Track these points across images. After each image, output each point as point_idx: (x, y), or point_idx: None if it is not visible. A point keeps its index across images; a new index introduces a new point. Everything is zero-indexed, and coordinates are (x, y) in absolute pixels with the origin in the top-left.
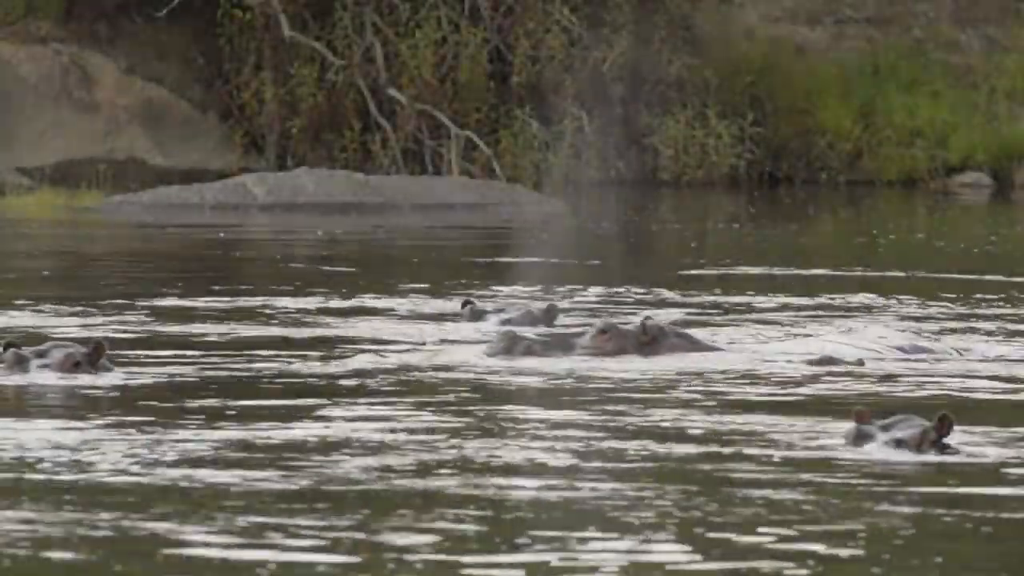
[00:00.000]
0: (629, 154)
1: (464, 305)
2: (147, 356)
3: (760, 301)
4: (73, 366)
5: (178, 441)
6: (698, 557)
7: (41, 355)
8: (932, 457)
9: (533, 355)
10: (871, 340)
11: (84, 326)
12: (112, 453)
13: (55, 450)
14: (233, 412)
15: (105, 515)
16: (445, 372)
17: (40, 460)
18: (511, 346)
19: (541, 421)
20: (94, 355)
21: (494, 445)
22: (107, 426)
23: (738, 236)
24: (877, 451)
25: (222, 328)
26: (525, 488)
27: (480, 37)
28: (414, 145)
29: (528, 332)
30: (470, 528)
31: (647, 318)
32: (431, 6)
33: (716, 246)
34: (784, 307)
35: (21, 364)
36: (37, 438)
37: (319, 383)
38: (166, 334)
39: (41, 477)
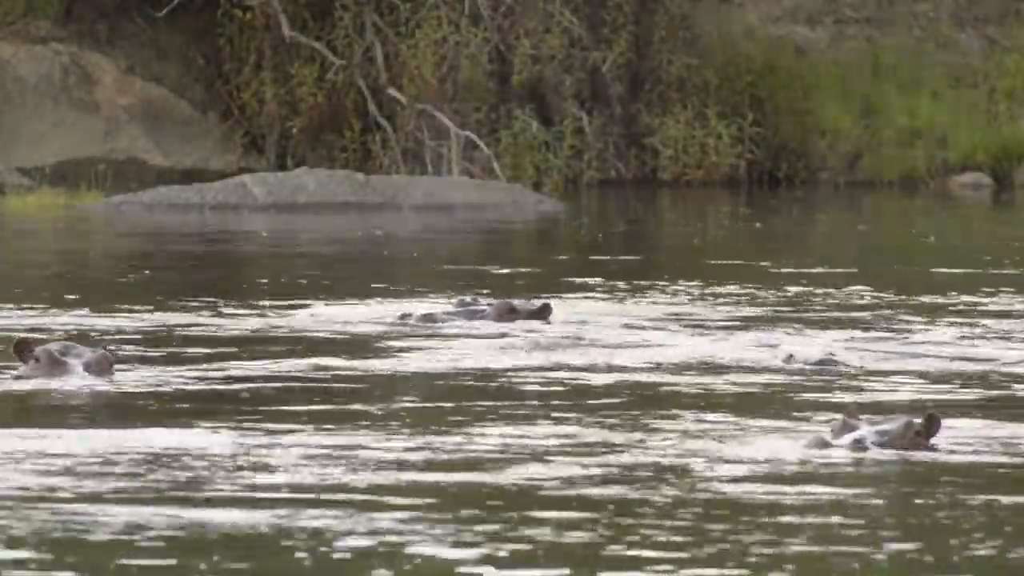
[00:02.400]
0: (629, 154)
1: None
2: (150, 355)
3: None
4: (109, 366)
5: (373, 447)
6: None
7: (66, 354)
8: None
9: None
10: None
11: (84, 325)
12: (351, 459)
13: (303, 458)
14: (379, 414)
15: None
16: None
17: (287, 467)
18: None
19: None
20: None
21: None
22: (270, 431)
23: (791, 234)
24: (843, 442)
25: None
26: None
27: (480, 37)
28: (414, 145)
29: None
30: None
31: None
32: (431, 6)
33: (781, 245)
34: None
35: (58, 365)
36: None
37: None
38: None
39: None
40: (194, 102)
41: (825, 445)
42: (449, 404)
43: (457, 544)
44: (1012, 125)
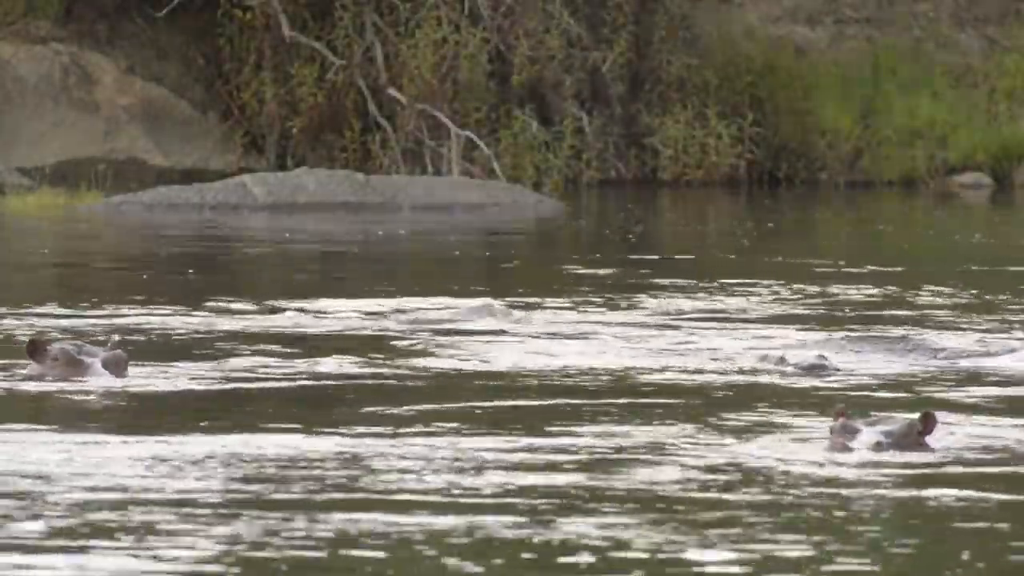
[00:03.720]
0: (629, 154)
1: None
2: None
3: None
4: (125, 365)
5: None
6: None
7: (80, 353)
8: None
9: None
10: None
11: (85, 326)
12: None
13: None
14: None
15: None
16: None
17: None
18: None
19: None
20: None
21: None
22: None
23: (801, 234)
24: (863, 445)
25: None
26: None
27: (480, 37)
28: (414, 145)
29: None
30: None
31: None
32: (431, 6)
33: (831, 245)
34: None
35: (77, 364)
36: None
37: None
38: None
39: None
40: (194, 102)
41: (847, 448)
42: (519, 404)
43: (703, 546)
44: (1012, 125)
